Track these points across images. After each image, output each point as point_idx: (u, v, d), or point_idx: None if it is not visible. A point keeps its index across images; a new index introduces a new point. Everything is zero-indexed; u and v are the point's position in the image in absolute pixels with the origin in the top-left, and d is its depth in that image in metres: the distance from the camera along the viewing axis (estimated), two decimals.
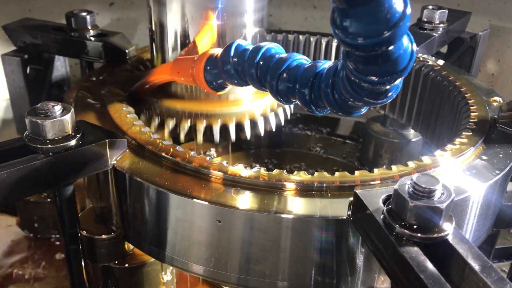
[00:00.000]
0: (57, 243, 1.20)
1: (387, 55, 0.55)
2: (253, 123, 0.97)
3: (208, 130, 0.93)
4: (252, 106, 0.97)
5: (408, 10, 0.52)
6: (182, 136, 0.94)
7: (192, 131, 0.94)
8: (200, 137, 0.93)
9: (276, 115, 1.01)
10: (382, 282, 0.71)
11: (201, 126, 0.93)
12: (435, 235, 0.54)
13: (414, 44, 0.56)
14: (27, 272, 1.12)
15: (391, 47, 0.54)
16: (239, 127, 0.96)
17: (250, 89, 0.97)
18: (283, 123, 1.04)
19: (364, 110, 0.68)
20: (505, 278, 0.49)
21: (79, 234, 0.80)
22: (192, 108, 0.94)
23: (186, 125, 0.93)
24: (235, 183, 0.72)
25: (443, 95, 1.03)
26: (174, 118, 0.94)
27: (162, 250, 0.77)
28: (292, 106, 1.06)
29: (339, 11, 0.54)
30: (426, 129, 1.10)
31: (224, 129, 0.95)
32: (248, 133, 0.96)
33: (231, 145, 1.32)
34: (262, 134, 0.99)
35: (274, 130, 1.02)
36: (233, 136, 0.95)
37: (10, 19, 1.19)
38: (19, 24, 1.16)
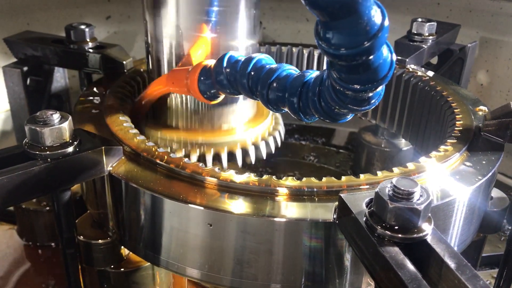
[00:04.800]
0: (56, 250, 1.22)
1: (367, 64, 0.58)
2: (245, 152, 1.01)
3: (202, 159, 0.97)
4: (244, 136, 1.01)
5: (386, 22, 0.55)
6: None
7: None
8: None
9: (267, 144, 1.05)
10: (368, 283, 0.73)
11: (195, 155, 0.96)
12: (414, 235, 0.57)
13: (394, 54, 0.60)
14: (26, 281, 1.14)
15: (371, 57, 0.57)
16: (232, 155, 0.99)
17: (243, 119, 1.02)
18: (273, 152, 1.07)
19: (349, 117, 0.71)
20: (479, 275, 0.51)
21: (76, 239, 0.83)
22: (186, 138, 0.98)
23: (180, 154, 0.95)
24: (227, 188, 0.74)
25: (431, 104, 1.06)
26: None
27: (157, 254, 0.79)
28: (282, 135, 1.11)
29: (322, 24, 0.57)
30: (416, 137, 1.13)
31: (218, 158, 0.98)
32: (239, 162, 0.99)
33: None
34: (253, 163, 1.02)
35: (264, 158, 1.05)
36: (225, 164, 0.98)
37: (10, 32, 1.22)
38: (20, 37, 1.18)
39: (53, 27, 1.46)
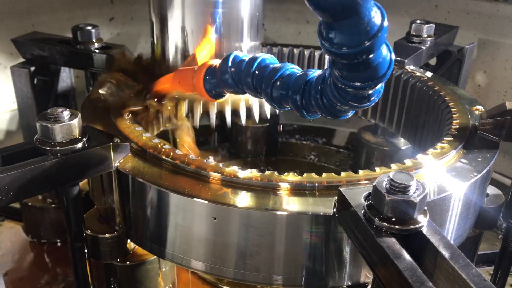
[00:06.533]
0: (61, 247, 1.24)
1: (368, 62, 0.61)
2: (248, 110, 1.01)
3: (205, 114, 0.97)
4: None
5: (385, 23, 0.58)
6: (178, 117, 0.98)
7: (190, 114, 0.98)
8: (197, 120, 0.97)
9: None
10: (367, 276, 0.76)
11: (198, 108, 0.97)
12: (410, 226, 0.59)
13: (393, 54, 0.62)
14: (32, 277, 1.16)
15: (371, 56, 0.60)
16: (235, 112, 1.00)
17: None
18: (277, 112, 1.07)
19: (350, 114, 0.74)
20: (471, 264, 0.54)
21: (84, 233, 0.85)
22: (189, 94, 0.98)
23: (183, 106, 0.96)
24: (231, 183, 0.77)
25: (428, 104, 1.09)
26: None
27: (163, 247, 0.81)
28: None
29: (325, 24, 0.60)
30: (414, 137, 1.16)
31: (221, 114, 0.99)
32: (243, 118, 1.00)
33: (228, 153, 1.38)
34: (257, 121, 1.03)
35: (268, 117, 1.05)
36: (228, 120, 0.99)
37: (15, 33, 1.25)
38: (28, 38, 1.21)
39: (57, 28, 1.48)
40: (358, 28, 0.57)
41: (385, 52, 0.62)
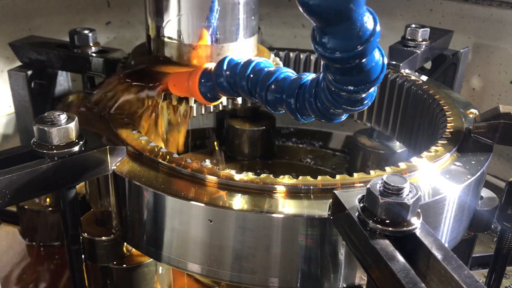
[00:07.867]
0: (58, 251, 1.24)
1: (360, 67, 0.61)
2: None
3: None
4: None
5: (378, 28, 0.59)
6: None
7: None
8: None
9: None
10: (362, 278, 0.76)
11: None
12: (404, 228, 0.60)
13: (385, 58, 0.63)
14: (28, 280, 1.16)
15: (364, 60, 0.61)
16: None
17: None
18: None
19: (344, 117, 0.75)
20: (464, 265, 0.54)
21: (80, 236, 0.85)
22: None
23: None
24: (227, 186, 0.77)
25: (423, 108, 1.10)
26: None
27: (159, 250, 0.82)
28: None
29: (318, 30, 0.61)
30: (409, 140, 1.17)
31: None
32: None
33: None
34: None
35: None
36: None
37: (12, 37, 1.25)
38: (25, 41, 1.21)
39: (54, 32, 1.48)
40: (350, 33, 0.58)
41: (378, 57, 0.62)
